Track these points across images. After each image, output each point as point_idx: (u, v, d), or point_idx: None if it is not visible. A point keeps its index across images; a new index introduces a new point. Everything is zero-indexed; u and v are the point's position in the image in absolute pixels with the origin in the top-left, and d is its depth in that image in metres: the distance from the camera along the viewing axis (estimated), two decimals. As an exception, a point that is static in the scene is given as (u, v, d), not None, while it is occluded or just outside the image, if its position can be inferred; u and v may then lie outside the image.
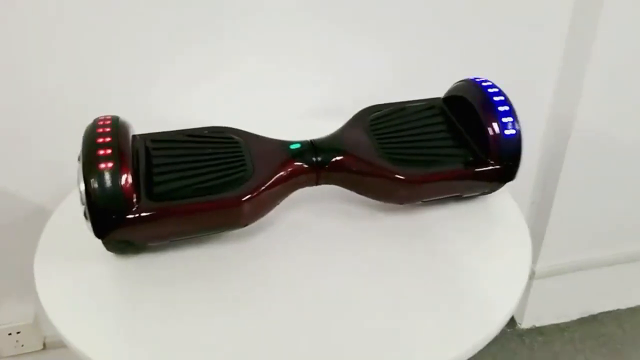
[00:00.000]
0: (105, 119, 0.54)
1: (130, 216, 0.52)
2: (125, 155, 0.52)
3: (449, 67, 0.94)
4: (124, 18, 0.76)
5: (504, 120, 0.61)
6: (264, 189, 0.56)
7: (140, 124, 0.61)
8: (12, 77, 0.77)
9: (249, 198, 0.55)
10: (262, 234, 0.61)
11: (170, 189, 0.54)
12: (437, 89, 0.71)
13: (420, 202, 0.64)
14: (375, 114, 0.67)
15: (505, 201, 0.68)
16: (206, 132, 0.62)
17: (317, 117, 0.91)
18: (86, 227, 0.56)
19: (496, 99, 0.62)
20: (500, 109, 0.61)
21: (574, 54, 1.00)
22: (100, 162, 0.51)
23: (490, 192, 0.66)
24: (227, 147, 0.60)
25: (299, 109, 0.91)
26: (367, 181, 0.61)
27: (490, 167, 0.61)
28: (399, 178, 0.59)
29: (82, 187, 0.51)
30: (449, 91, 0.69)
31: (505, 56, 0.97)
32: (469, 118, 0.64)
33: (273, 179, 0.57)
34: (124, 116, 0.58)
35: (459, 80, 0.68)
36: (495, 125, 0.61)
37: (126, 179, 0.51)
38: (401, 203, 0.63)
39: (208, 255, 0.58)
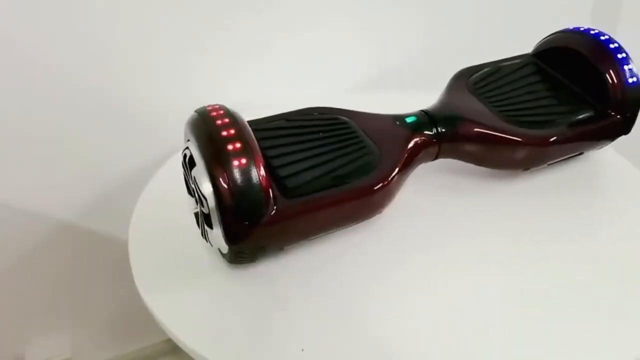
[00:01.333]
0: (217, 109, 0.46)
1: (271, 217, 0.44)
2: (255, 149, 0.44)
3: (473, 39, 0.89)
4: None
5: (625, 67, 0.57)
6: (399, 169, 0.50)
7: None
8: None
9: (390, 180, 0.49)
10: (387, 221, 0.55)
11: (303, 182, 0.47)
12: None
13: (546, 165, 0.59)
14: (475, 76, 0.61)
15: (607, 153, 0.65)
16: (308, 115, 0.55)
17: (365, 91, 0.85)
18: (201, 237, 0.48)
19: (612, 46, 0.58)
20: (619, 56, 0.57)
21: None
22: (232, 159, 0.43)
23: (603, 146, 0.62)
24: (339, 129, 0.53)
25: (347, 82, 0.84)
26: (494, 149, 0.55)
27: (613, 120, 0.58)
28: (530, 141, 0.54)
29: (207, 189, 0.43)
30: (544, 44, 0.64)
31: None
32: (575, 70, 0.59)
33: (404, 158, 0.51)
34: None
35: (553, 32, 0.63)
36: (615, 73, 0.57)
37: (263, 176, 0.43)
38: (527, 168, 0.58)
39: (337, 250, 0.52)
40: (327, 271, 0.49)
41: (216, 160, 0.43)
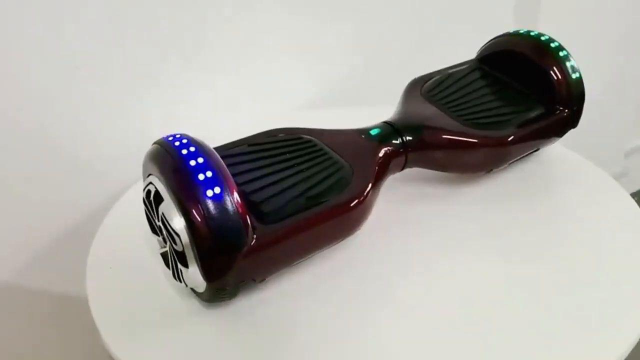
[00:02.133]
0: (179, 138, 0.43)
1: (252, 247, 0.41)
2: (228, 176, 0.41)
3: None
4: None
5: (567, 64, 0.59)
6: (373, 183, 0.49)
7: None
8: None
9: (366, 195, 0.47)
10: (359, 238, 0.53)
11: (278, 206, 0.44)
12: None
13: (507, 165, 0.60)
14: (427, 84, 0.62)
15: (557, 149, 0.67)
16: (270, 137, 0.52)
17: (314, 108, 0.84)
18: (172, 278, 0.44)
19: (553, 45, 0.60)
20: (561, 54, 0.59)
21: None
22: (204, 189, 0.40)
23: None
24: (304, 148, 0.51)
25: (293, 103, 0.83)
26: (459, 153, 0.56)
27: (562, 115, 0.60)
28: (491, 142, 0.55)
29: (179, 224, 0.40)
30: (487, 48, 0.66)
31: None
32: (521, 71, 0.61)
33: (376, 170, 0.50)
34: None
35: (495, 36, 0.65)
36: (560, 71, 0.59)
37: (239, 203, 0.40)
38: (489, 170, 0.59)
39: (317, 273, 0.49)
40: (310, 300, 0.47)
41: (187, 193, 0.39)
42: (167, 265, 0.46)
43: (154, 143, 0.44)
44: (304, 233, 0.44)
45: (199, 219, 0.39)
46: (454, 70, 0.65)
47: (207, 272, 0.41)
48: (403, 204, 0.58)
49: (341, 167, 0.49)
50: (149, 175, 0.44)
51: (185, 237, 0.40)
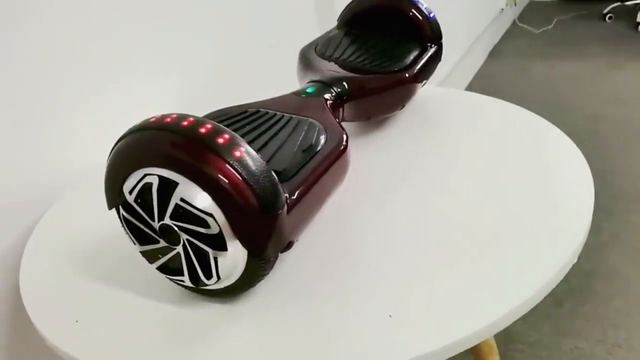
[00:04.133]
0: (166, 116, 0.37)
1: (288, 205, 0.38)
2: (239, 137, 0.37)
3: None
4: None
5: (422, 7, 0.68)
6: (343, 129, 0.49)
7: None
8: None
9: (347, 139, 0.48)
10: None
11: (285, 164, 0.42)
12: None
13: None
14: (318, 48, 0.65)
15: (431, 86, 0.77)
16: (221, 115, 0.49)
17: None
18: (181, 286, 0.38)
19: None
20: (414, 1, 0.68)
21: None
22: (231, 151, 0.35)
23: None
24: (262, 116, 0.49)
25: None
26: (382, 96, 0.60)
27: (434, 50, 0.68)
28: (406, 80, 0.61)
29: (205, 202, 0.35)
30: (348, 12, 0.71)
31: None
32: (386, 24, 0.69)
33: (337, 120, 0.51)
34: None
35: (350, 2, 0.71)
36: (420, 13, 0.67)
37: (263, 162, 0.37)
38: (403, 106, 0.64)
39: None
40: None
41: (214, 160, 0.35)
42: (169, 274, 0.40)
43: (135, 131, 0.37)
44: (318, 183, 0.43)
45: (238, 183, 0.35)
46: (331, 34, 0.69)
47: (254, 241, 0.37)
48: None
49: (305, 122, 0.49)
50: (132, 172, 0.37)
51: (219, 214, 0.35)
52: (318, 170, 0.43)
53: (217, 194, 0.35)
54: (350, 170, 0.48)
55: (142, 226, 0.39)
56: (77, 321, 0.42)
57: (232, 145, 0.36)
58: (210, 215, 0.35)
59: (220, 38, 0.86)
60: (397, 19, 0.68)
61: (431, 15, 0.68)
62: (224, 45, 0.87)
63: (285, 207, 0.38)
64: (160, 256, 0.40)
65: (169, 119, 0.37)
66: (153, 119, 0.37)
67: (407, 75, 0.62)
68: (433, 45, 0.68)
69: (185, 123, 0.36)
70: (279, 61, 0.95)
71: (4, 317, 0.59)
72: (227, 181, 0.35)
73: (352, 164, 0.49)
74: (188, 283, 0.40)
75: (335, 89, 0.56)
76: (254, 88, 0.82)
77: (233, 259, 0.37)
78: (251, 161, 0.36)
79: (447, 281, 0.41)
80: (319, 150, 0.45)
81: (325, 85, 0.56)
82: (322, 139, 0.46)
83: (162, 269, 0.41)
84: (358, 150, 0.60)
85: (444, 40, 0.69)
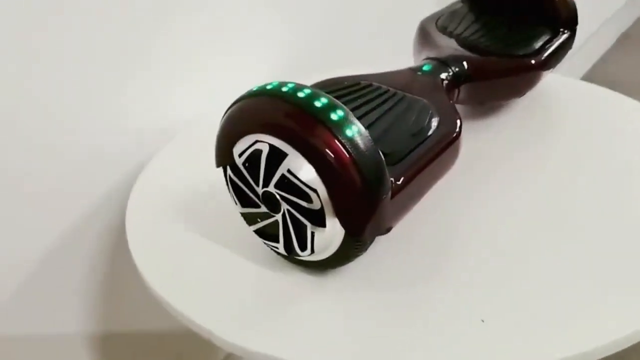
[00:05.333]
0: (283, 84, 0.37)
1: (393, 189, 0.37)
2: (352, 115, 0.36)
3: None
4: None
5: (564, -12, 0.62)
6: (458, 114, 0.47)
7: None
8: None
9: (460, 124, 0.45)
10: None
11: (394, 146, 0.40)
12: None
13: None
14: (439, 23, 0.61)
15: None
16: (335, 85, 0.48)
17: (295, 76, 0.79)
18: (275, 251, 0.38)
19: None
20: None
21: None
22: (343, 127, 0.35)
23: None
24: (374, 91, 0.48)
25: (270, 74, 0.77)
26: (503, 78, 0.56)
27: (567, 35, 0.62)
28: (531, 66, 0.56)
29: (310, 176, 0.35)
30: None
31: None
32: (512, 4, 0.63)
33: (452, 103, 0.48)
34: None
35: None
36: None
37: (373, 143, 0.36)
38: (523, 94, 0.60)
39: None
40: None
41: (326, 136, 0.34)
42: (265, 239, 0.41)
43: (251, 95, 0.37)
44: (425, 170, 0.41)
45: (346, 162, 0.34)
46: (455, 8, 0.65)
47: (353, 222, 0.36)
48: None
49: (418, 103, 0.47)
50: (244, 136, 0.38)
51: (323, 191, 0.35)
52: (427, 156, 0.41)
53: (324, 171, 0.35)
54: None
55: (246, 189, 0.39)
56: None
57: (345, 122, 0.35)
58: (314, 190, 0.35)
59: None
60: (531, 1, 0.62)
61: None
62: (341, 4, 0.84)
63: (390, 192, 0.37)
64: (259, 220, 0.41)
65: (285, 89, 0.36)
66: (269, 86, 0.37)
67: (533, 61, 0.57)
68: (566, 31, 0.62)
69: (302, 95, 0.36)
70: (396, 30, 0.91)
71: (107, 255, 0.64)
72: (335, 159, 0.34)
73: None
74: (282, 251, 0.40)
75: (453, 68, 0.53)
76: (366, 56, 0.79)
77: (330, 235, 0.37)
78: (361, 141, 0.35)
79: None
80: (430, 135, 0.43)
81: (442, 63, 0.53)
82: (434, 123, 0.44)
83: (259, 232, 0.41)
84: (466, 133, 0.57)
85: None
